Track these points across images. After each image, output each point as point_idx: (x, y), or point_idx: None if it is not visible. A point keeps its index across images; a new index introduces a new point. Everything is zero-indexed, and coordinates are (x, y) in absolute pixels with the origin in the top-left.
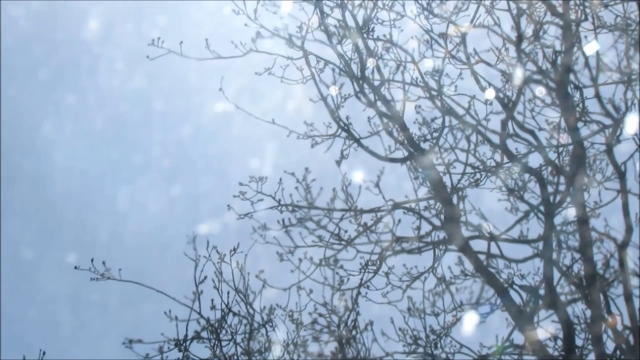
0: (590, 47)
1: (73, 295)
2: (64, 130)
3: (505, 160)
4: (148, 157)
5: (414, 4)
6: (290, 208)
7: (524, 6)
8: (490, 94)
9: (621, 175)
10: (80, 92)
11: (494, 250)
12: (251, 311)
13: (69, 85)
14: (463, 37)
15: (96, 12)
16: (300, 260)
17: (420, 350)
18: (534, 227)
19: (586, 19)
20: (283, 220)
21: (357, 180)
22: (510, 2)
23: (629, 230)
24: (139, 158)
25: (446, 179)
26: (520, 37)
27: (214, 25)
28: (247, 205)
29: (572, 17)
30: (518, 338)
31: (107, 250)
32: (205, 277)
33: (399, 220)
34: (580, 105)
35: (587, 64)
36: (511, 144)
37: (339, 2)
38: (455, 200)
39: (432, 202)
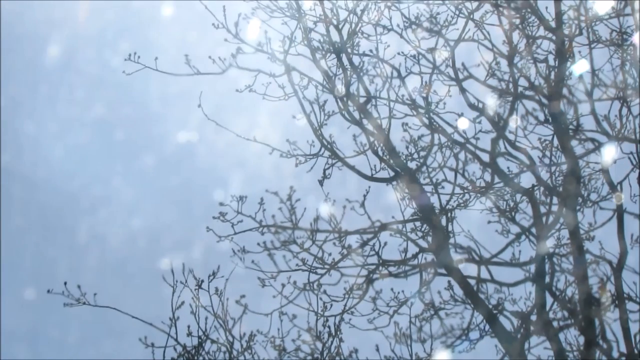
0: (580, 66)
1: (34, 329)
2: (23, 160)
3: (496, 180)
4: (109, 188)
5: (401, 18)
6: (273, 230)
7: (517, 21)
8: (463, 123)
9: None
10: (39, 120)
11: (484, 274)
12: (230, 338)
13: (27, 114)
14: (452, 51)
15: (58, 37)
16: (283, 285)
17: None
18: (526, 250)
19: (580, 34)
20: (265, 243)
21: (341, 200)
22: (502, 17)
23: (624, 252)
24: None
25: (434, 200)
26: (512, 52)
27: (192, 41)
28: (227, 227)
29: (566, 31)
30: None
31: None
32: (183, 303)
33: (385, 243)
34: (575, 122)
35: (581, 79)
36: (502, 163)
37: (323, 16)
38: (443, 221)
39: (419, 223)
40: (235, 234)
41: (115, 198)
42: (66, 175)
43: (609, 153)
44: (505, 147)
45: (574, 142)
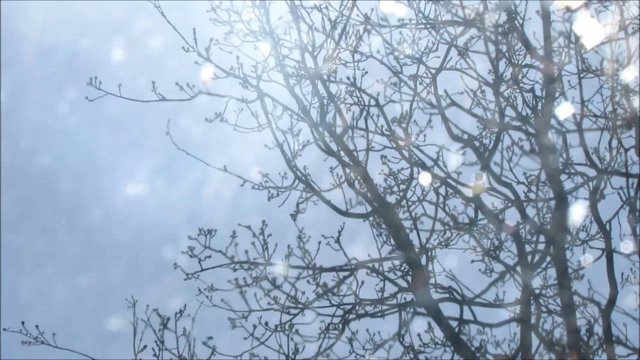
0: (563, 110)
1: None
2: None
3: (480, 216)
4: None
5: (382, 44)
6: (246, 266)
7: (503, 48)
8: (425, 179)
9: (606, 233)
10: None
11: (467, 314)
12: None
13: None
14: (434, 78)
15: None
16: (254, 326)
17: None
18: (511, 290)
19: (570, 62)
20: (237, 280)
21: (315, 235)
22: (489, 43)
23: (614, 293)
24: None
25: (414, 237)
26: (498, 80)
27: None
28: (195, 263)
29: (555, 59)
30: None
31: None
32: (145, 346)
33: (362, 282)
34: (563, 154)
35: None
36: (486, 198)
37: (298, 41)
38: (423, 260)
39: (397, 261)
40: (203, 270)
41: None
42: (6, 229)
43: (599, 188)
44: (490, 182)
45: (562, 176)
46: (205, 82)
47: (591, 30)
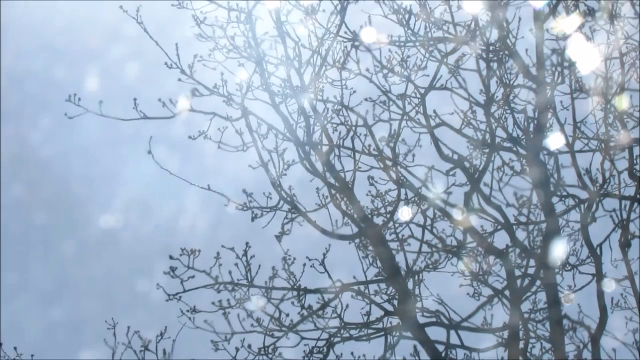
0: (554, 140)
1: None
2: None
3: (469, 239)
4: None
5: (372, 61)
6: (229, 287)
7: (494, 66)
8: (405, 214)
9: (597, 257)
10: None
11: (454, 339)
12: None
13: None
14: (423, 97)
15: None
16: (237, 349)
17: None
18: (499, 314)
19: (563, 82)
20: (220, 302)
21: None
22: (480, 61)
23: (603, 318)
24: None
25: (401, 259)
26: (489, 100)
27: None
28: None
29: (548, 79)
30: None
31: None
32: None
33: (347, 305)
34: (555, 175)
35: (562, 131)
36: (475, 221)
37: (284, 58)
38: (410, 284)
39: (384, 285)
40: (185, 291)
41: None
42: None
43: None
44: (479, 203)
45: (554, 199)
46: (189, 99)
47: (585, 52)
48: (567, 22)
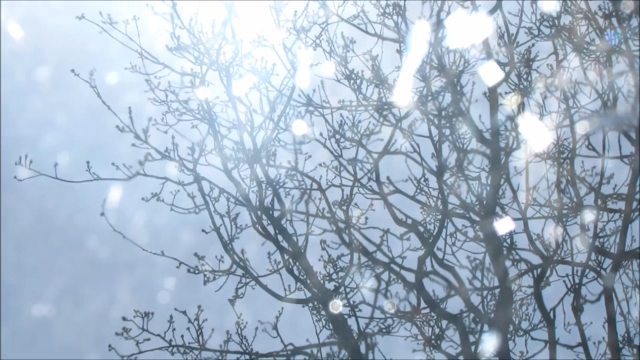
0: (504, 225)
1: None
2: None
3: (422, 304)
4: None
5: (325, 126)
6: (182, 350)
7: (447, 132)
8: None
9: (550, 322)
10: None
11: None
12: None
13: None
14: (376, 162)
15: None
16: None
17: None
18: None
19: (518, 147)
20: None
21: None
22: (432, 127)
23: None
24: None
25: (353, 323)
26: (441, 167)
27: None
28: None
29: (502, 144)
30: None
31: None
32: None
33: None
34: (507, 241)
35: (514, 197)
36: (429, 284)
37: (236, 122)
38: (363, 348)
39: (336, 348)
40: (140, 352)
41: None
42: None
43: (543, 276)
44: (433, 266)
45: (507, 263)
46: (142, 163)
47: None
48: (513, 99)
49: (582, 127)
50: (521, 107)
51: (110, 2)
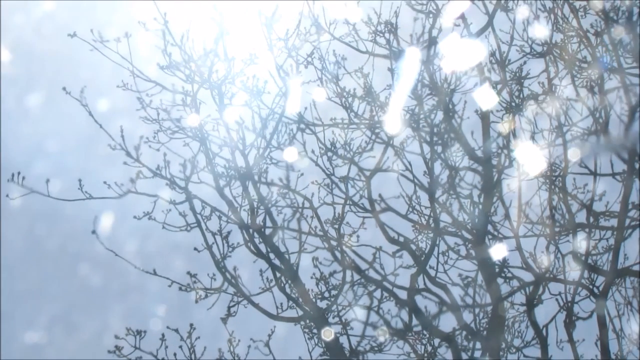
0: (498, 251)
1: None
2: None
3: (414, 322)
4: None
5: (316, 143)
6: None
7: (439, 149)
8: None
9: (542, 340)
10: None
11: None
12: None
13: None
14: (368, 180)
15: None
16: None
17: None
18: None
19: (510, 166)
20: None
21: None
22: (424, 145)
23: None
24: None
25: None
26: (433, 186)
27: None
28: None
29: (494, 162)
30: None
31: None
32: None
33: None
34: (499, 259)
35: (507, 216)
36: (421, 301)
37: (228, 140)
38: None
39: None
40: None
41: None
42: None
43: (535, 293)
44: (425, 284)
45: (499, 280)
46: (134, 180)
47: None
48: (506, 124)
49: (574, 154)
50: (513, 127)
51: (101, 22)
